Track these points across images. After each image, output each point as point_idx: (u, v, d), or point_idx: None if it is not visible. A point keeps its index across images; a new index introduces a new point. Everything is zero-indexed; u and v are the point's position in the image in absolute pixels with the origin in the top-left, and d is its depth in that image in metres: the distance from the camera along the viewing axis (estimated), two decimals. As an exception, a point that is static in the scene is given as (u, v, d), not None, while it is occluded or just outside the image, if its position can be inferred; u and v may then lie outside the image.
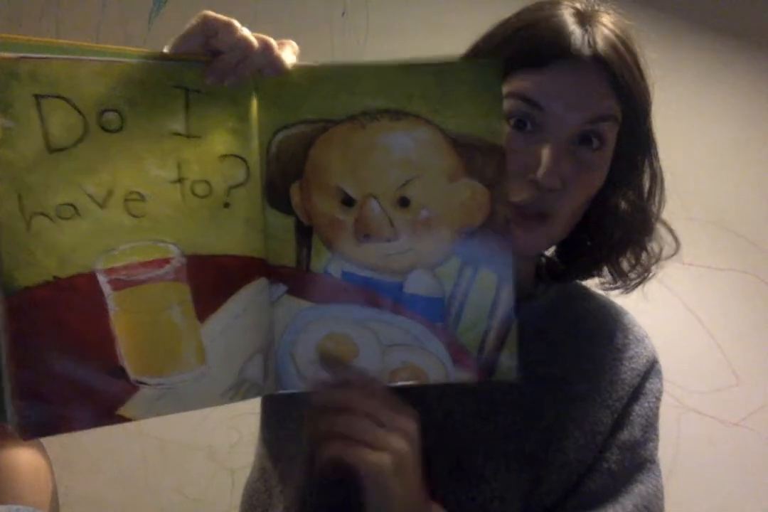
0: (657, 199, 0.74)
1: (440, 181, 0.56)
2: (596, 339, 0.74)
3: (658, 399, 0.74)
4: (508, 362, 0.58)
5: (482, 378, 0.58)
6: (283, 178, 0.56)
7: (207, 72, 0.51)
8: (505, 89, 0.64)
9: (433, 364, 0.58)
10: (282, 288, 0.57)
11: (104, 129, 0.49)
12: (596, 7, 0.69)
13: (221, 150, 0.54)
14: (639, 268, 0.76)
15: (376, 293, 0.57)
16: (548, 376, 0.71)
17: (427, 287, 0.57)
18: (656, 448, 0.73)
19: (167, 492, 1.56)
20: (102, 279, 0.51)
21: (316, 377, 0.57)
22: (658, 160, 0.74)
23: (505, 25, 0.69)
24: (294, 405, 0.69)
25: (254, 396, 0.58)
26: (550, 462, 0.68)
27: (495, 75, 0.56)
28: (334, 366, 0.57)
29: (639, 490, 0.69)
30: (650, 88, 0.70)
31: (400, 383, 0.58)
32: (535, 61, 0.65)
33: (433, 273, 0.57)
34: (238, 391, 0.56)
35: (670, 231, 0.76)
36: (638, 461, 0.70)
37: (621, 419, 0.71)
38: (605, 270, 0.77)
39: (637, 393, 0.73)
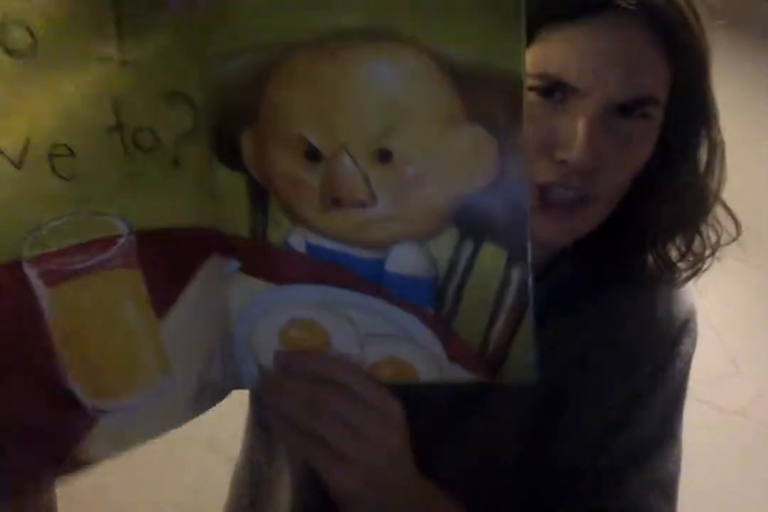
0: (717, 174, 0.62)
1: (433, 127, 0.43)
2: (619, 307, 0.65)
3: (687, 362, 0.66)
4: (521, 359, 0.47)
5: (487, 377, 0.47)
6: (232, 122, 0.44)
7: None
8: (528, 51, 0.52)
9: (423, 359, 0.47)
10: (234, 263, 0.46)
11: (8, 51, 0.35)
12: None
13: (164, 84, 0.41)
14: (690, 258, 0.63)
15: (350, 271, 0.46)
16: (557, 356, 0.60)
17: (414, 265, 0.45)
18: (678, 420, 0.65)
19: (167, 481, 1.56)
20: (30, 272, 0.38)
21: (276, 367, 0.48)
22: (719, 129, 0.61)
23: None
24: None
25: (214, 403, 0.47)
26: (554, 439, 0.62)
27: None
28: (297, 359, 0.47)
29: (649, 468, 0.62)
30: (710, 43, 0.57)
31: (387, 382, 0.48)
32: (567, 13, 0.52)
33: (422, 248, 0.45)
34: (200, 401, 0.45)
35: (730, 213, 0.64)
36: (652, 440, 0.63)
37: (637, 399, 0.63)
38: (649, 259, 0.64)
39: (661, 365, 0.64)
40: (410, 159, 0.43)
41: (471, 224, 0.44)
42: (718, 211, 0.63)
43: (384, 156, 0.43)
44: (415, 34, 0.41)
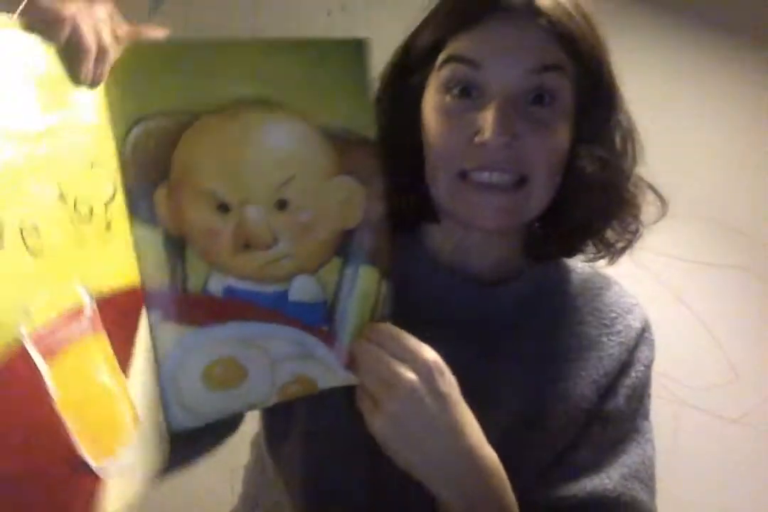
0: (630, 155, 0.69)
1: (317, 179, 0.52)
2: (583, 317, 0.71)
3: (648, 367, 0.72)
4: None
5: None
6: (145, 181, 0.48)
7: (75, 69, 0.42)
8: (444, 55, 0.63)
9: (322, 372, 0.55)
10: (156, 314, 0.50)
11: None
12: None
13: (87, 155, 0.44)
14: (627, 236, 0.71)
15: (261, 306, 0.53)
16: (534, 357, 0.68)
17: (310, 292, 0.54)
18: (644, 417, 0.72)
19: (166, 488, 1.56)
20: (32, 349, 0.38)
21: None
22: (627, 114, 0.69)
23: None
24: (294, 422, 0.67)
25: (168, 448, 0.52)
26: (531, 439, 0.67)
27: (360, 57, 0.51)
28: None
29: (623, 460, 0.67)
30: (603, 37, 0.65)
31: (291, 397, 0.56)
32: (470, 18, 0.62)
33: (315, 277, 0.54)
34: (161, 443, 0.51)
35: (653, 189, 0.71)
36: (623, 431, 0.69)
37: (607, 392, 0.69)
38: (590, 244, 0.72)
39: (624, 366, 0.70)
40: (302, 205, 0.52)
41: (351, 252, 0.54)
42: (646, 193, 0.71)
43: (282, 204, 0.52)
44: (297, 105, 0.50)
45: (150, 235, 0.49)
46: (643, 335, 0.73)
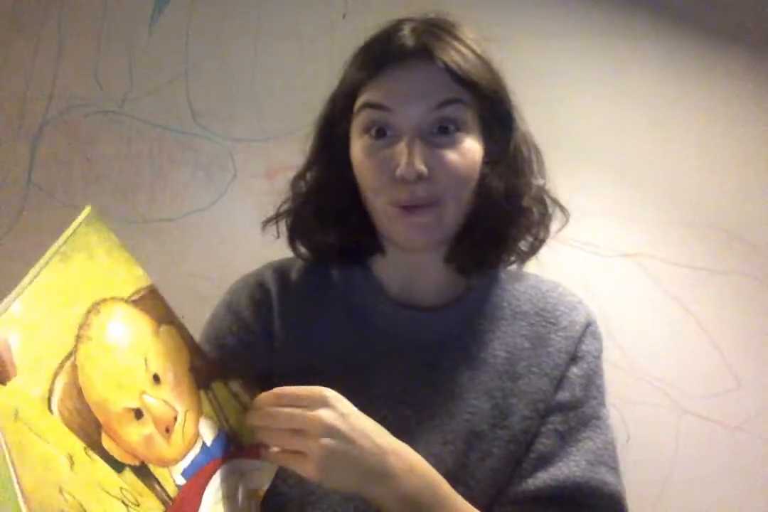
0: (530, 172, 0.77)
1: (156, 341, 0.60)
2: (532, 319, 0.78)
3: (597, 357, 0.78)
4: None
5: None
6: (89, 437, 0.51)
7: None
8: (358, 103, 0.72)
9: (258, 475, 0.64)
10: None
11: None
12: (441, 18, 0.75)
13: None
14: (536, 243, 0.80)
15: (207, 463, 0.60)
16: (493, 360, 0.75)
17: (210, 431, 0.62)
18: (601, 404, 0.76)
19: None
20: None
21: None
22: (526, 137, 0.78)
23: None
24: None
25: None
26: (498, 437, 0.72)
27: (93, 225, 0.56)
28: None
29: (588, 446, 0.72)
30: (497, 71, 0.74)
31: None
32: (374, 68, 0.71)
33: (204, 415, 0.62)
34: None
35: (555, 202, 0.80)
36: (583, 419, 0.74)
37: (560, 383, 0.75)
38: (507, 255, 0.79)
39: (573, 357, 0.76)
40: (165, 370, 0.59)
41: (207, 378, 0.64)
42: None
43: (156, 379, 0.58)
44: (110, 294, 0.57)
45: (127, 477, 0.53)
46: (588, 328, 0.79)
